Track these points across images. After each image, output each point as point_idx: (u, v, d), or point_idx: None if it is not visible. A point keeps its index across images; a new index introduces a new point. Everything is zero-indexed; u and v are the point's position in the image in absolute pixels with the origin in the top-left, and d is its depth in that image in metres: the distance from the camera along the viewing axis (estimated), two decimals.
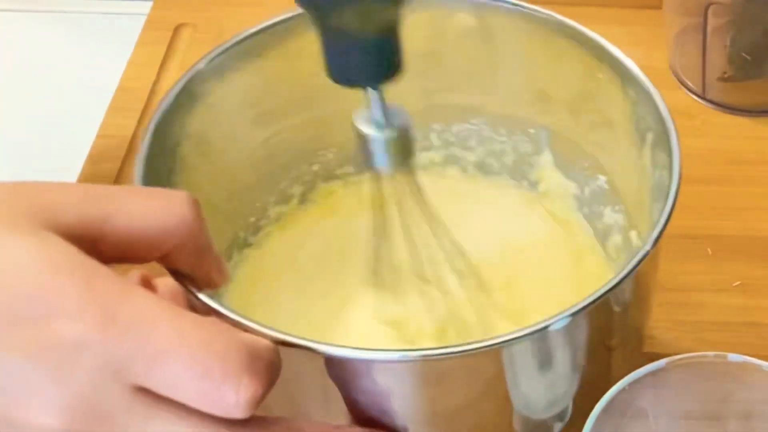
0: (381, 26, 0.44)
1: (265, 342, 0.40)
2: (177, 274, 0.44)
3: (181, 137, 0.52)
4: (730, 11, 0.70)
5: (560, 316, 0.43)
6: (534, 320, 0.43)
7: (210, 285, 0.45)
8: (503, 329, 0.44)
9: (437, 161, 0.62)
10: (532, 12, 0.55)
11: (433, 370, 0.44)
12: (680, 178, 0.48)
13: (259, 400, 0.39)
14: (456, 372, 0.44)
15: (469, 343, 0.43)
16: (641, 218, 0.55)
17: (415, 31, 0.50)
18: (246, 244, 0.59)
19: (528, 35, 0.55)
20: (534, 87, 0.57)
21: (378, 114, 0.47)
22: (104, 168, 0.69)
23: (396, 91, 0.54)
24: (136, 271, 0.43)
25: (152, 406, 0.38)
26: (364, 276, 0.55)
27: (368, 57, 0.45)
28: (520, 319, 0.53)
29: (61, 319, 0.37)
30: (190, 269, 0.44)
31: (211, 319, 0.40)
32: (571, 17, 0.54)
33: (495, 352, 0.44)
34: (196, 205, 0.42)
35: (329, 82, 0.57)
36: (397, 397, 0.45)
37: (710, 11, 0.70)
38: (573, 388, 0.48)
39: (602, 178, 0.58)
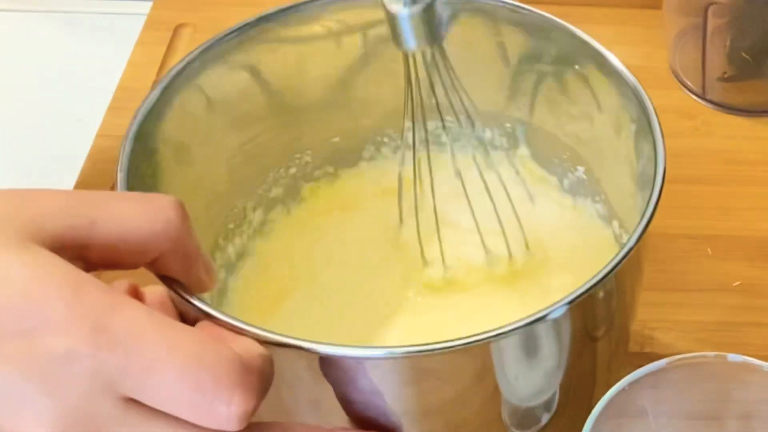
0: None
1: (257, 350, 0.40)
2: (166, 280, 0.44)
3: (158, 143, 0.52)
4: (730, 11, 0.70)
5: (545, 312, 0.44)
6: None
7: (200, 288, 0.45)
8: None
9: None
10: (509, 6, 0.55)
11: (421, 366, 0.44)
12: (665, 170, 0.48)
13: (252, 413, 0.39)
14: (444, 367, 0.45)
15: (455, 340, 0.43)
16: (624, 208, 0.55)
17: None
18: (230, 249, 0.59)
19: (504, 29, 0.56)
20: (510, 81, 0.57)
21: None
22: (104, 168, 0.69)
23: (372, 89, 0.55)
24: (123, 281, 0.43)
25: (144, 417, 0.38)
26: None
27: None
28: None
29: (50, 331, 0.37)
30: (179, 274, 0.44)
31: (203, 331, 0.40)
32: (570, 17, 0.54)
33: (482, 348, 0.44)
34: (182, 208, 0.42)
35: (303, 84, 0.57)
36: (388, 394, 0.45)
37: (710, 11, 0.70)
38: (558, 379, 0.48)
39: (581, 169, 0.58)
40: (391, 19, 0.50)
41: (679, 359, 0.46)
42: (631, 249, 0.46)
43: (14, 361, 0.37)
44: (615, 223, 0.57)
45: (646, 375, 0.46)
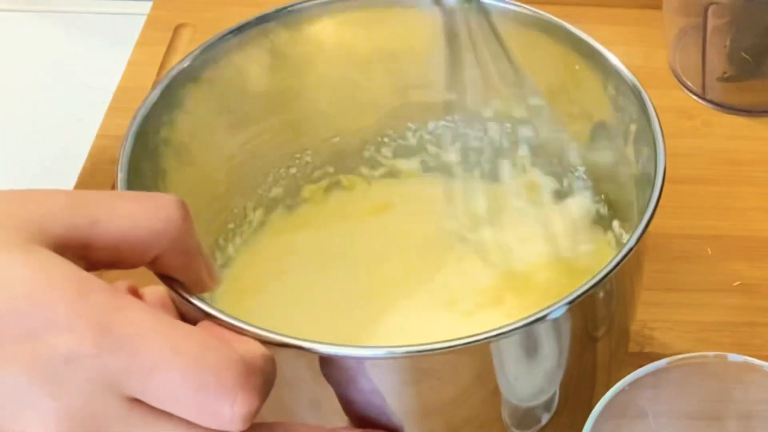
0: None
1: (260, 351, 0.40)
2: (167, 280, 0.44)
3: (158, 143, 0.52)
4: (730, 11, 0.70)
5: (545, 312, 0.44)
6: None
7: (201, 288, 0.45)
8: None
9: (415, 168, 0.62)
10: (508, 7, 0.55)
11: (421, 366, 0.44)
12: (665, 170, 0.48)
13: (255, 413, 0.39)
14: (444, 367, 0.45)
15: (455, 340, 0.43)
16: (624, 208, 0.55)
17: (388, 29, 0.50)
18: (229, 249, 0.59)
19: (504, 30, 0.56)
20: (510, 81, 0.57)
21: None
22: (104, 168, 0.69)
23: (372, 89, 0.55)
24: (122, 282, 0.43)
25: (148, 418, 0.38)
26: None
27: None
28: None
29: (54, 332, 0.37)
30: (180, 273, 0.44)
31: (206, 331, 0.40)
32: (570, 17, 0.54)
33: (482, 348, 0.44)
34: (183, 206, 0.42)
35: (303, 84, 0.57)
36: (388, 394, 0.45)
37: (710, 11, 0.70)
38: (558, 379, 0.48)
39: (581, 169, 0.58)
40: None
41: (679, 359, 0.46)
42: (631, 249, 0.46)
43: (18, 363, 0.37)
44: (615, 223, 0.57)
45: (646, 375, 0.46)
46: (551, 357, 0.47)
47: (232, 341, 0.40)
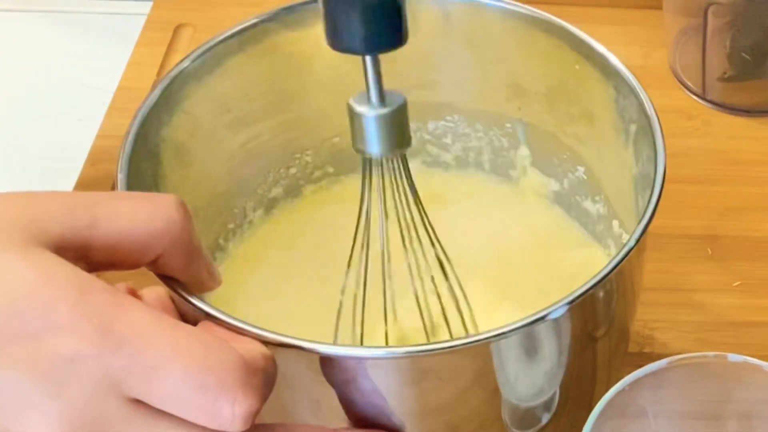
0: None
1: (260, 351, 0.40)
2: (167, 280, 0.44)
3: (158, 143, 0.52)
4: (730, 11, 0.70)
5: (545, 312, 0.44)
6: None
7: (201, 288, 0.45)
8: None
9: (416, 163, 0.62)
10: (508, 7, 0.55)
11: (421, 366, 0.44)
12: (665, 170, 0.48)
13: (256, 413, 0.39)
14: (445, 367, 0.45)
15: (455, 340, 0.43)
16: (623, 208, 0.55)
17: None
18: (228, 249, 0.59)
19: (504, 30, 0.56)
20: (510, 81, 0.58)
21: (373, 89, 0.46)
22: (104, 169, 0.69)
23: None
24: (121, 284, 0.43)
25: (150, 418, 0.38)
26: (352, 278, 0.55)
27: (369, 21, 0.43)
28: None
29: (55, 334, 0.37)
30: (180, 273, 0.44)
31: (207, 332, 0.40)
32: (570, 17, 0.54)
33: (482, 348, 0.44)
34: (183, 207, 0.42)
35: (303, 84, 0.57)
36: (388, 394, 0.45)
37: (710, 11, 0.70)
38: (558, 379, 0.48)
39: (581, 169, 0.58)
40: (356, 119, 0.47)
41: (679, 359, 0.46)
42: (631, 249, 0.46)
43: (20, 364, 0.37)
44: (615, 223, 0.57)
45: (646, 375, 0.46)
46: (551, 357, 0.47)
47: (232, 341, 0.40)
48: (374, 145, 0.47)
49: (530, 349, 0.45)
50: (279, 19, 0.55)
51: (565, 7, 0.62)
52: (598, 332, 0.49)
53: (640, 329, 0.60)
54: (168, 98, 0.52)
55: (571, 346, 0.47)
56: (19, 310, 0.37)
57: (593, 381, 0.50)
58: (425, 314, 0.54)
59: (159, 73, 0.75)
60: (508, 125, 0.60)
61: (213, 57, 0.54)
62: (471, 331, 0.53)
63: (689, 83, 0.74)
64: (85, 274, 0.38)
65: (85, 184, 0.68)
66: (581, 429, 0.44)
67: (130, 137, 0.50)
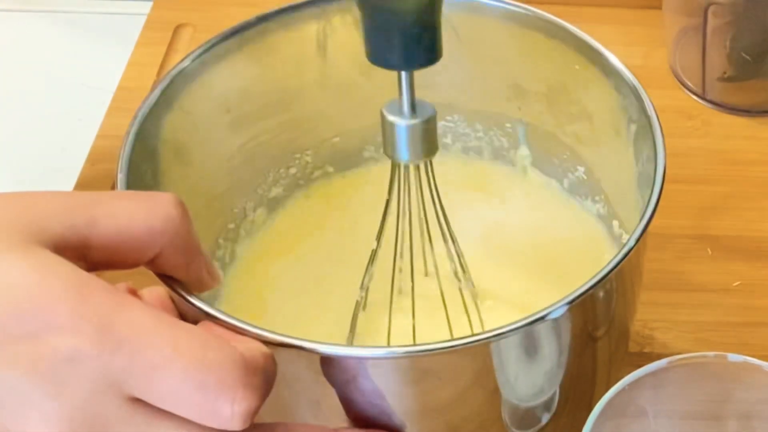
0: (420, 7, 0.44)
1: (260, 349, 0.40)
2: (167, 280, 0.44)
3: (158, 143, 0.52)
4: (730, 11, 0.70)
5: (545, 312, 0.44)
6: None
7: (201, 288, 0.45)
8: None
9: None
10: (508, 7, 0.55)
11: (421, 366, 0.44)
12: (665, 170, 0.48)
13: (255, 412, 0.39)
14: (445, 367, 0.45)
15: (456, 340, 0.43)
16: (623, 208, 0.55)
17: None
18: (229, 249, 0.59)
19: (503, 30, 0.56)
20: (510, 81, 0.58)
21: (406, 102, 0.48)
22: (104, 168, 0.69)
23: (372, 89, 0.55)
24: (121, 284, 0.43)
25: (150, 417, 0.38)
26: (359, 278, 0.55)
27: (407, 40, 0.45)
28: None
29: (56, 333, 0.37)
30: (180, 272, 0.44)
31: (207, 331, 0.40)
32: (570, 17, 0.54)
33: (482, 348, 0.44)
34: (181, 204, 0.42)
35: (303, 84, 0.57)
36: (388, 394, 0.45)
37: (710, 11, 0.70)
38: (558, 379, 0.48)
39: (581, 169, 0.58)
40: (388, 127, 0.48)
41: (679, 359, 0.46)
42: (631, 249, 0.46)
43: (20, 364, 0.37)
44: (615, 223, 0.57)
45: (646, 375, 0.46)
46: (551, 357, 0.47)
47: (232, 340, 0.40)
48: (404, 153, 0.49)
49: (530, 349, 0.45)
50: (279, 19, 0.55)
51: (565, 7, 0.62)
52: (598, 332, 0.49)
53: (640, 329, 0.60)
54: (168, 98, 0.52)
55: (571, 346, 0.47)
56: (18, 309, 0.37)
57: (593, 381, 0.50)
58: (448, 312, 0.54)
59: (159, 73, 0.75)
60: (508, 125, 0.60)
61: (213, 57, 0.54)
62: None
63: (689, 83, 0.74)
64: (84, 273, 0.38)
65: (85, 184, 0.68)
66: (581, 429, 0.44)
67: (130, 137, 0.50)
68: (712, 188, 0.68)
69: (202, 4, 0.79)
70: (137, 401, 0.38)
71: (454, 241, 0.54)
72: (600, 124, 0.55)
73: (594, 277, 0.45)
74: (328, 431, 0.43)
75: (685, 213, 0.66)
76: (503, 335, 0.43)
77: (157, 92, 0.52)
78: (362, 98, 0.58)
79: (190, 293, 0.44)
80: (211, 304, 0.44)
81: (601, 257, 0.56)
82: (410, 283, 0.54)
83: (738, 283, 0.63)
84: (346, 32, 0.57)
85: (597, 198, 0.58)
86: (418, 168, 0.51)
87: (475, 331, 0.54)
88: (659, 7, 0.75)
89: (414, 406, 0.46)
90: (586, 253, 0.58)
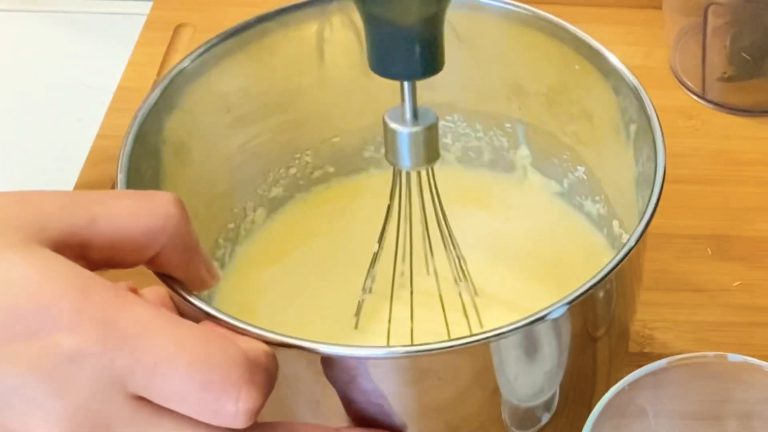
0: (423, 18, 0.44)
1: (263, 348, 0.40)
2: (167, 279, 0.44)
3: (158, 143, 0.52)
4: (730, 11, 0.70)
5: (545, 312, 0.44)
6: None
7: (200, 286, 0.45)
8: None
9: None
10: (508, 7, 0.55)
11: (421, 366, 0.44)
12: (665, 170, 0.48)
13: (259, 410, 0.39)
14: (445, 366, 0.45)
15: (456, 340, 0.43)
16: (624, 208, 0.55)
17: None
18: (229, 249, 0.59)
19: (503, 30, 0.56)
20: (510, 81, 0.58)
21: (409, 109, 0.48)
22: (104, 169, 0.69)
23: (372, 89, 0.55)
24: (122, 283, 0.43)
25: (153, 415, 0.38)
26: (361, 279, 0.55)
27: (410, 51, 0.45)
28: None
29: (58, 331, 0.37)
30: (179, 271, 0.44)
31: (210, 328, 0.40)
32: (570, 17, 0.54)
33: (482, 348, 0.44)
34: (180, 204, 0.42)
35: (303, 84, 0.57)
36: (388, 393, 0.45)
37: (710, 11, 0.70)
38: (558, 379, 0.48)
39: (581, 169, 0.58)
40: (390, 134, 0.49)
41: (679, 359, 0.46)
42: (631, 249, 0.46)
43: (23, 362, 0.37)
44: (615, 223, 0.57)
45: (646, 375, 0.46)
46: (551, 357, 0.47)
47: (234, 338, 0.40)
48: (406, 160, 0.49)
49: (530, 349, 0.45)
50: (279, 19, 0.55)
51: (565, 7, 0.62)
52: (598, 332, 0.49)
53: (640, 329, 0.60)
54: (168, 98, 0.52)
55: (571, 346, 0.47)
56: (20, 308, 0.37)
57: (593, 381, 0.50)
58: (448, 315, 0.54)
59: (159, 73, 0.75)
60: (508, 125, 0.60)
61: (213, 57, 0.54)
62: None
63: (689, 83, 0.74)
64: (86, 271, 0.38)
65: (85, 184, 0.68)
66: (581, 429, 0.44)
67: (130, 137, 0.50)
68: (712, 188, 0.68)
69: (202, 4, 0.79)
70: (140, 399, 0.38)
71: (455, 245, 0.54)
72: (600, 124, 0.55)
73: (594, 277, 0.45)
74: (330, 431, 0.43)
75: (685, 213, 0.66)
76: (503, 335, 0.43)
77: (157, 92, 0.52)
78: (362, 98, 0.58)
79: (190, 293, 0.44)
80: (209, 305, 0.44)
81: (600, 261, 0.56)
82: (410, 287, 0.54)
83: (738, 283, 0.63)
84: (346, 32, 0.57)
85: (597, 198, 0.58)
86: (419, 174, 0.51)
87: (474, 331, 0.54)
88: (659, 7, 0.75)
89: (414, 406, 0.46)
90: (584, 257, 0.58)
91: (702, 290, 0.63)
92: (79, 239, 0.40)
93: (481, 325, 0.55)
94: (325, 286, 0.57)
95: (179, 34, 0.78)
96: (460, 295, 0.55)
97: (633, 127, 0.52)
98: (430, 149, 0.49)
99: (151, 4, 0.80)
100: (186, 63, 0.53)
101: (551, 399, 0.49)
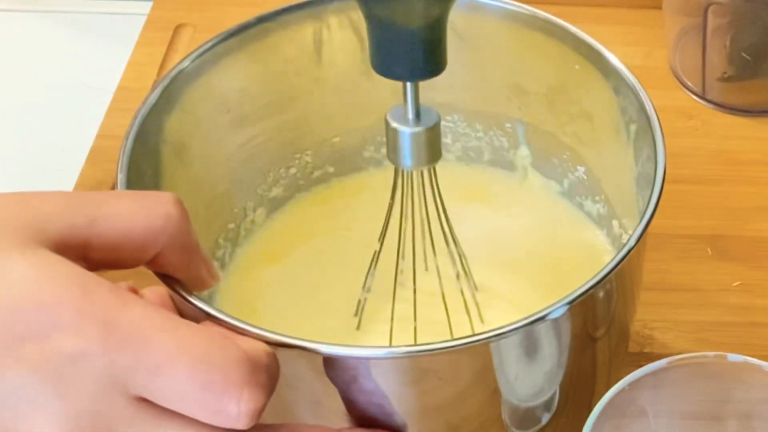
0: (426, 20, 0.44)
1: (262, 348, 0.40)
2: (167, 279, 0.44)
3: (158, 143, 0.52)
4: (730, 11, 0.70)
5: (545, 312, 0.44)
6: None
7: (200, 287, 0.45)
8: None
9: None
10: (508, 7, 0.55)
11: (421, 366, 0.44)
12: (665, 170, 0.48)
13: (261, 410, 0.39)
14: (445, 366, 0.45)
15: (456, 340, 0.43)
16: (624, 208, 0.55)
17: None
18: (229, 249, 0.59)
19: (503, 30, 0.56)
20: (510, 81, 0.58)
21: (411, 110, 0.48)
22: (104, 169, 0.69)
23: (370, 88, 0.55)
24: (122, 283, 0.43)
25: (155, 416, 0.38)
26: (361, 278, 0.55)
27: (413, 52, 0.45)
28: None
29: (59, 333, 0.37)
30: (179, 271, 0.44)
31: (211, 329, 0.40)
32: (570, 17, 0.54)
33: (482, 348, 0.44)
34: (180, 204, 0.42)
35: (303, 84, 0.57)
36: (389, 393, 0.45)
37: (710, 11, 0.70)
38: (558, 379, 0.48)
39: (581, 169, 0.58)
40: (391, 134, 0.49)
41: (679, 359, 0.46)
42: (631, 249, 0.46)
43: (25, 363, 0.37)
44: (615, 223, 0.57)
45: (646, 375, 0.46)
46: (551, 357, 0.47)
47: (235, 338, 0.40)
48: (407, 159, 0.49)
49: (530, 349, 0.45)
50: (279, 19, 0.56)
51: (565, 7, 0.62)
52: (598, 332, 0.49)
53: (640, 329, 0.60)
54: (168, 98, 0.52)
55: (571, 346, 0.47)
56: (22, 310, 0.37)
57: (593, 381, 0.50)
58: (450, 312, 0.54)
59: (159, 73, 0.75)
60: (508, 125, 0.60)
61: (213, 57, 0.54)
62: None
63: (689, 83, 0.74)
64: (86, 272, 0.38)
65: (85, 184, 0.68)
66: (581, 429, 0.44)
67: (130, 137, 0.50)
68: (712, 188, 0.68)
69: (202, 4, 0.79)
70: (142, 400, 0.38)
71: (456, 243, 0.54)
72: (600, 124, 0.55)
73: (594, 277, 0.45)
74: (332, 431, 0.43)
75: (685, 213, 0.66)
76: (503, 335, 0.43)
77: (157, 92, 0.52)
78: (362, 98, 0.58)
79: (190, 293, 0.44)
80: (209, 305, 0.44)
81: (600, 261, 0.56)
82: (413, 285, 0.54)
83: (738, 283, 0.63)
84: (346, 32, 0.57)
85: (597, 198, 0.58)
86: (421, 172, 0.51)
87: (476, 330, 0.54)
88: (659, 7, 0.75)
89: (414, 406, 0.46)
90: (585, 257, 0.58)
91: (702, 290, 0.63)
92: (80, 240, 0.40)
93: (482, 320, 0.55)
94: (326, 285, 0.57)
95: (179, 34, 0.78)
96: (462, 292, 0.55)
97: (633, 127, 0.52)
98: (432, 149, 0.49)
99: (151, 4, 0.80)
100: (186, 63, 0.53)
101: (551, 399, 0.49)
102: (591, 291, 0.45)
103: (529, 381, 0.47)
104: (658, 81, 0.73)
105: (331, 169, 0.61)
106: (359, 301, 0.55)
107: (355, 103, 0.59)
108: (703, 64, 0.72)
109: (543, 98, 0.57)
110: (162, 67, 0.75)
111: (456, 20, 0.55)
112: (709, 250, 0.65)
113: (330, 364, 0.44)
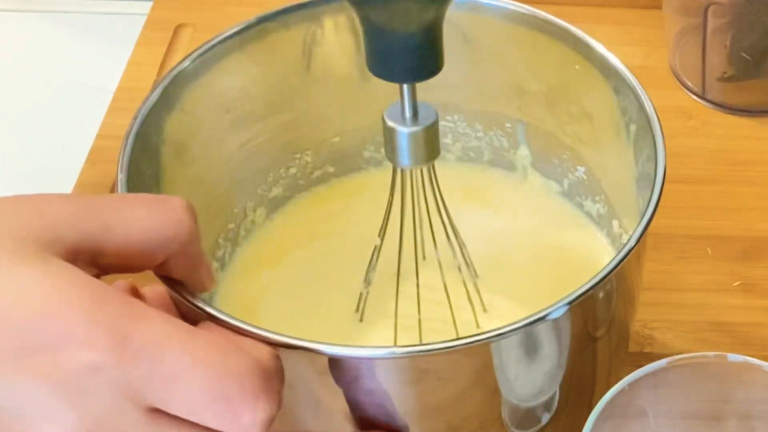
0: (422, 24, 0.44)
1: (268, 351, 0.40)
2: (167, 281, 0.44)
3: (158, 143, 0.52)
4: (730, 11, 0.70)
5: (545, 312, 0.44)
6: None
7: (200, 289, 0.45)
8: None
9: None
10: (508, 7, 0.55)
11: (421, 366, 0.44)
12: (665, 170, 0.48)
13: (274, 418, 0.39)
14: (445, 366, 0.45)
15: (456, 340, 0.43)
16: (624, 208, 0.55)
17: None
18: (229, 249, 0.59)
19: (503, 30, 0.56)
20: (510, 81, 0.58)
21: (408, 110, 0.48)
22: (104, 168, 0.69)
23: (370, 88, 0.55)
24: (122, 281, 0.43)
25: (170, 427, 0.38)
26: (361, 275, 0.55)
27: (409, 54, 0.45)
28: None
29: (74, 344, 0.37)
30: (185, 275, 0.44)
31: (223, 338, 0.40)
32: (570, 17, 0.54)
33: (482, 348, 0.44)
34: (192, 210, 0.42)
35: (303, 84, 0.57)
36: (389, 393, 0.45)
37: (710, 11, 0.70)
38: (558, 379, 0.48)
39: (581, 169, 0.58)
40: (389, 133, 0.49)
41: (679, 359, 0.46)
42: (631, 249, 0.46)
43: (38, 375, 0.37)
44: (615, 223, 0.57)
45: (646, 375, 0.46)
46: (551, 357, 0.47)
47: (240, 343, 0.40)
48: (405, 158, 0.49)
49: (530, 349, 0.45)
50: (279, 19, 0.56)
51: (565, 7, 0.62)
52: (598, 332, 0.49)
53: (640, 329, 0.60)
54: (168, 98, 0.52)
55: (571, 346, 0.47)
56: (35, 322, 0.37)
57: (593, 381, 0.50)
58: (454, 312, 0.54)
59: (159, 73, 0.75)
60: (508, 125, 0.60)
61: (213, 57, 0.54)
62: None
63: (689, 83, 0.74)
64: (100, 283, 0.38)
65: (85, 184, 0.68)
66: (581, 429, 0.44)
67: (130, 137, 0.50)
68: (712, 188, 0.68)
69: (202, 4, 0.79)
70: (156, 411, 0.38)
71: (456, 235, 0.54)
72: (600, 124, 0.55)
73: (594, 277, 0.45)
74: None
75: (685, 213, 0.66)
76: (503, 335, 0.43)
77: (157, 92, 0.52)
78: (362, 98, 0.58)
79: (193, 295, 0.44)
80: (210, 305, 0.44)
81: (600, 261, 0.56)
82: (416, 279, 0.54)
83: (738, 283, 0.63)
84: (345, 32, 0.57)
85: (597, 198, 0.58)
86: (420, 171, 0.51)
87: (480, 323, 0.54)
88: (659, 7, 0.75)
89: (414, 406, 0.46)
90: (584, 257, 0.58)
91: (702, 290, 0.63)
92: (93, 247, 0.40)
93: (485, 309, 0.55)
94: (326, 285, 0.57)
95: (179, 34, 0.78)
96: (464, 283, 0.55)
97: (633, 127, 0.52)
98: (430, 147, 0.49)
99: (151, 4, 0.80)
100: (186, 63, 0.53)
101: (551, 399, 0.49)
102: (591, 291, 0.45)
103: (529, 381, 0.47)
104: (658, 81, 0.73)
105: (330, 169, 0.61)
106: (361, 294, 0.55)
107: (355, 103, 0.59)
108: (703, 64, 0.72)
109: (543, 98, 0.57)
110: (162, 67, 0.75)
111: (456, 20, 0.55)
112: (709, 250, 0.65)
113: (331, 364, 0.44)
